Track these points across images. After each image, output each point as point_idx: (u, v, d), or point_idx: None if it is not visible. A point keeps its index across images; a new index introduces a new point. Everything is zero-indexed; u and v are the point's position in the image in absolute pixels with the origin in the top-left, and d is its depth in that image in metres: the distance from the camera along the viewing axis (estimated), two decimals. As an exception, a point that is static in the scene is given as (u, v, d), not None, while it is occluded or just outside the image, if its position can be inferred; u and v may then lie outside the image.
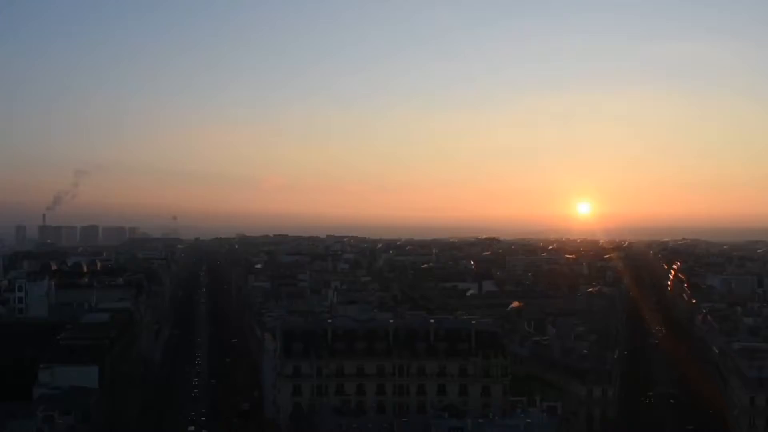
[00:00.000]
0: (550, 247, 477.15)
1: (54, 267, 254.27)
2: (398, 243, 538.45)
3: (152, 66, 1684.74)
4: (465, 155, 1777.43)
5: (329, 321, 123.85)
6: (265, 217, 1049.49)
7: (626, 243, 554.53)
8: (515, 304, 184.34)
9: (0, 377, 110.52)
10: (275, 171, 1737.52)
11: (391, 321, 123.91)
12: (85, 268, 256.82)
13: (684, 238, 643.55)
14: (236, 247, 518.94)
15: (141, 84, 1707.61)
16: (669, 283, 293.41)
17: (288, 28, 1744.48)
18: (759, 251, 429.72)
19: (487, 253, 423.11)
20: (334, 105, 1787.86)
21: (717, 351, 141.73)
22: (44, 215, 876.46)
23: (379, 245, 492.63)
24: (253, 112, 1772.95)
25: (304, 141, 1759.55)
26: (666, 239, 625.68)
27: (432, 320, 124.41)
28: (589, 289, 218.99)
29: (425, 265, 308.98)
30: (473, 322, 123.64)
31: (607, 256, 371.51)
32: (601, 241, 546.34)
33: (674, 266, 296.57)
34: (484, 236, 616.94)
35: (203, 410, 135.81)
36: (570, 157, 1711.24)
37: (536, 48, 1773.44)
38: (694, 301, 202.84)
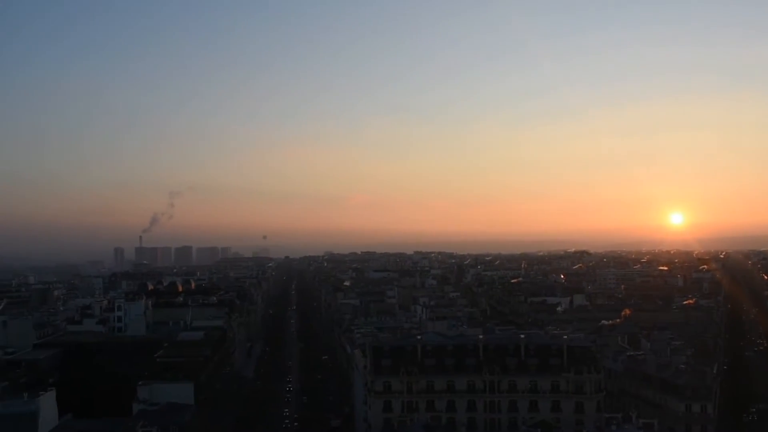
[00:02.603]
0: (642, 260, 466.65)
1: (150, 287, 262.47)
2: (487, 258, 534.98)
3: (240, 87, 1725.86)
4: (550, 166, 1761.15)
5: (419, 337, 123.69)
6: (352, 234, 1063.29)
7: (723, 253, 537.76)
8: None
9: (101, 394, 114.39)
10: (360, 188, 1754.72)
11: (481, 336, 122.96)
12: (180, 288, 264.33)
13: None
14: (325, 264, 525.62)
15: (230, 105, 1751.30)
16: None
17: (370, 46, 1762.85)
18: None
19: (577, 266, 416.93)
20: (415, 120, 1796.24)
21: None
22: (141, 237, 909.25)
23: (467, 260, 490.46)
24: (336, 129, 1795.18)
25: (388, 157, 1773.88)
26: (765, 249, 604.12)
27: (522, 335, 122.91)
28: (685, 302, 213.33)
29: (514, 280, 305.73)
30: (565, 337, 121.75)
31: (703, 267, 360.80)
32: (695, 251, 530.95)
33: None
34: (574, 249, 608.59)
35: (295, 426, 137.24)
36: (660, 165, 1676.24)
37: (622, 57, 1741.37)
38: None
